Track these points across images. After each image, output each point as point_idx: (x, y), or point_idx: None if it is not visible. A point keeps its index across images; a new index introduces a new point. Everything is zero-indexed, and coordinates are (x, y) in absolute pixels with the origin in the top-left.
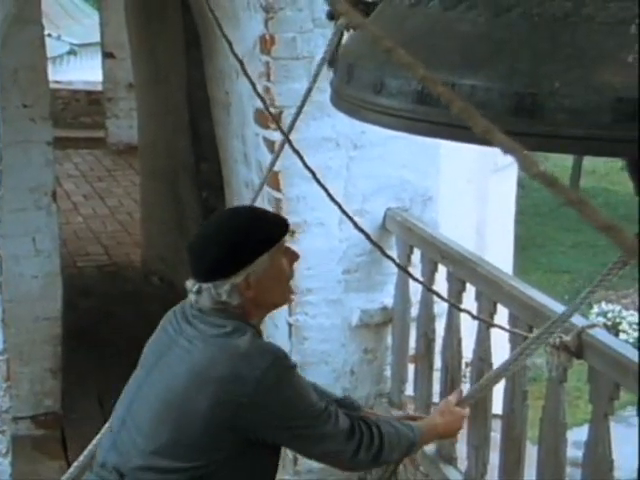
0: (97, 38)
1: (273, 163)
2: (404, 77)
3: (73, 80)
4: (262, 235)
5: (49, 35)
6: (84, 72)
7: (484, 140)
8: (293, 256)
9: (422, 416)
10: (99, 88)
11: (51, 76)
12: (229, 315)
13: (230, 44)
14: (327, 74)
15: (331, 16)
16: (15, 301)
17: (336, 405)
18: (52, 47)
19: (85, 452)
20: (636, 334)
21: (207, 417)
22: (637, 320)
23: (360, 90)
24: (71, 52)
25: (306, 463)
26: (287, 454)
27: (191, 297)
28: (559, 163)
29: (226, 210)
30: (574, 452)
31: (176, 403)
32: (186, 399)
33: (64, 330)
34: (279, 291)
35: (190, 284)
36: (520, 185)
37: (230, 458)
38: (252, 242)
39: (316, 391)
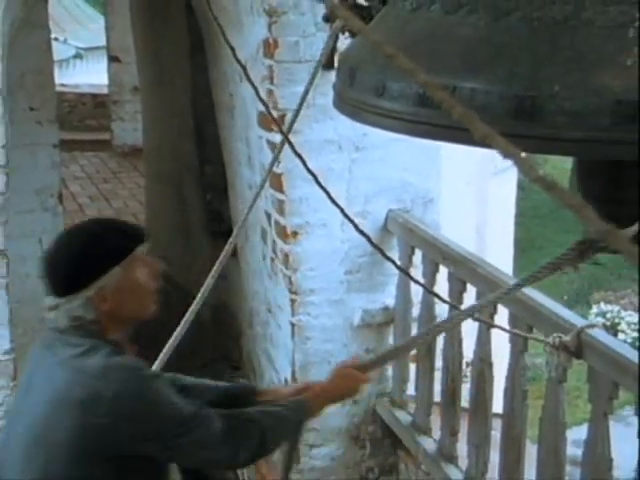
0: (103, 42)
1: (272, 163)
2: (405, 80)
3: (79, 83)
4: (112, 246)
5: (55, 39)
6: (90, 75)
7: (485, 143)
8: (154, 266)
9: (311, 383)
10: (105, 91)
11: (57, 79)
12: (86, 333)
13: (233, 50)
14: (329, 77)
15: (327, 19)
16: (22, 302)
17: (211, 409)
18: (58, 51)
19: None
20: (634, 334)
21: (72, 446)
22: (636, 320)
23: (362, 93)
24: (77, 56)
25: (308, 462)
26: None
27: (50, 315)
28: (558, 165)
29: (77, 223)
30: (573, 451)
31: (42, 437)
32: (50, 431)
33: None
34: (138, 303)
35: (47, 301)
36: (520, 187)
37: None
38: (101, 254)
39: (194, 391)
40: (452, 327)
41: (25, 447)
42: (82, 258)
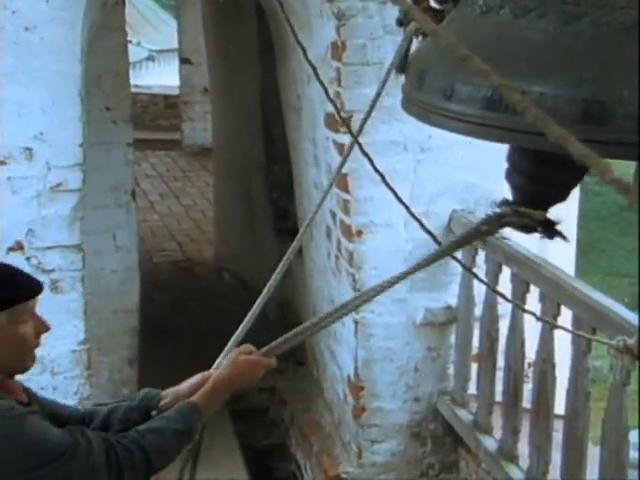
0: (175, 44)
1: (342, 165)
2: (474, 83)
3: (151, 84)
4: (1, 292)
5: (130, 41)
6: (162, 77)
7: (552, 145)
8: (42, 326)
9: (208, 374)
10: (176, 92)
11: (131, 80)
12: None
13: (304, 50)
14: (396, 80)
15: (400, 23)
16: (96, 294)
17: (96, 434)
18: (132, 53)
19: None
20: None
21: None
22: None
23: (430, 95)
24: (150, 58)
25: (370, 457)
26: (352, 447)
27: None
28: (622, 170)
29: None
30: (634, 454)
31: None
32: None
33: (141, 322)
34: (16, 356)
35: None
36: (582, 190)
37: None
38: None
39: (76, 419)
40: (359, 305)
41: None
42: None
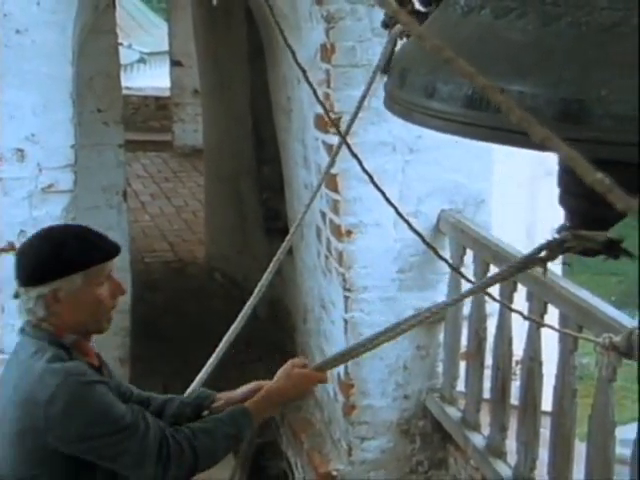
0: (166, 47)
1: (331, 166)
2: (455, 82)
3: (143, 86)
4: (76, 254)
5: (121, 44)
6: (153, 79)
7: (534, 145)
8: (117, 288)
9: (263, 384)
10: (167, 94)
11: (122, 83)
12: (40, 333)
13: (293, 53)
14: (383, 81)
15: (386, 25)
16: None
17: (156, 422)
18: (124, 55)
19: None
20: None
21: (16, 445)
22: None
23: (413, 94)
24: (141, 60)
25: (360, 454)
26: (342, 444)
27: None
28: None
29: (60, 224)
30: (620, 450)
31: (0, 434)
32: (3, 430)
33: (132, 322)
34: (92, 317)
35: (15, 289)
36: None
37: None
38: (64, 258)
39: (137, 400)
40: (413, 326)
41: None
42: (47, 256)
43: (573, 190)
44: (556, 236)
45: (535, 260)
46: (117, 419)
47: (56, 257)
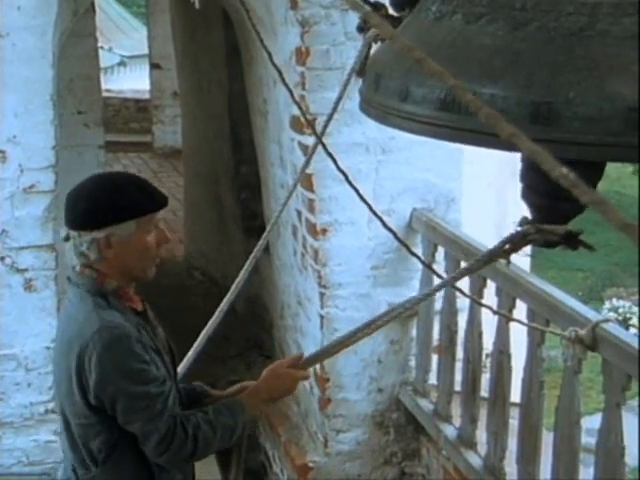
0: (145, 50)
1: (306, 165)
2: (428, 85)
3: (123, 89)
4: (133, 201)
5: (101, 47)
6: (133, 82)
7: (502, 144)
8: (163, 237)
9: (248, 384)
10: (146, 96)
11: (103, 85)
12: (83, 280)
13: (270, 54)
14: (358, 83)
15: (360, 29)
16: None
17: (170, 400)
18: (104, 59)
19: None
20: None
21: (71, 382)
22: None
23: (387, 98)
24: (121, 63)
25: (335, 446)
26: (318, 437)
27: (65, 247)
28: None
29: (113, 171)
30: (587, 439)
31: (58, 382)
32: (60, 379)
33: None
34: (139, 264)
35: (61, 231)
36: None
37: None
38: (121, 204)
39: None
40: (389, 321)
41: (56, 389)
42: (103, 201)
43: (535, 186)
44: (519, 229)
45: (500, 253)
46: (145, 382)
47: (113, 203)
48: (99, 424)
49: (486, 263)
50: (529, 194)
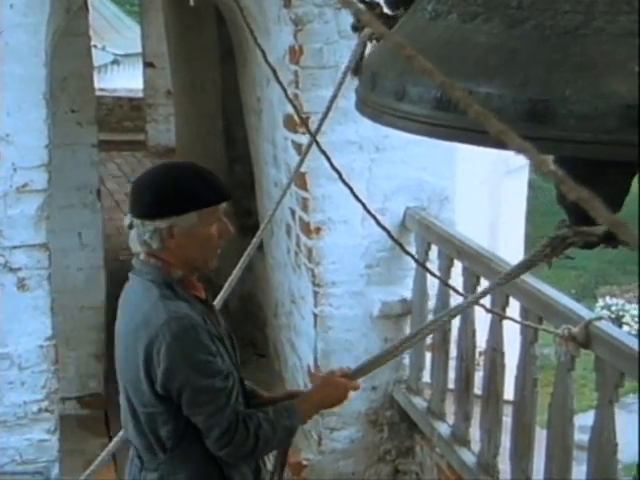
0: (139, 49)
1: (300, 164)
2: (424, 85)
3: (117, 88)
4: (196, 193)
5: (94, 46)
6: (127, 80)
7: (497, 143)
8: (226, 230)
9: (300, 391)
10: (140, 95)
11: (96, 84)
12: (148, 268)
13: (264, 53)
14: (351, 82)
15: (355, 28)
16: (62, 291)
17: (233, 395)
18: (98, 57)
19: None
20: (638, 326)
21: (138, 371)
22: (638, 313)
23: (383, 97)
24: (115, 62)
25: (329, 444)
26: (312, 435)
27: (130, 234)
28: None
29: (178, 161)
30: (580, 436)
31: (125, 371)
32: (128, 369)
33: (107, 318)
34: (201, 254)
35: (125, 218)
36: (530, 186)
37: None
38: (185, 195)
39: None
40: (436, 328)
41: (119, 373)
42: (166, 192)
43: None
44: (557, 233)
45: (540, 257)
46: (210, 375)
47: (177, 194)
48: (166, 413)
49: (528, 269)
50: (564, 198)
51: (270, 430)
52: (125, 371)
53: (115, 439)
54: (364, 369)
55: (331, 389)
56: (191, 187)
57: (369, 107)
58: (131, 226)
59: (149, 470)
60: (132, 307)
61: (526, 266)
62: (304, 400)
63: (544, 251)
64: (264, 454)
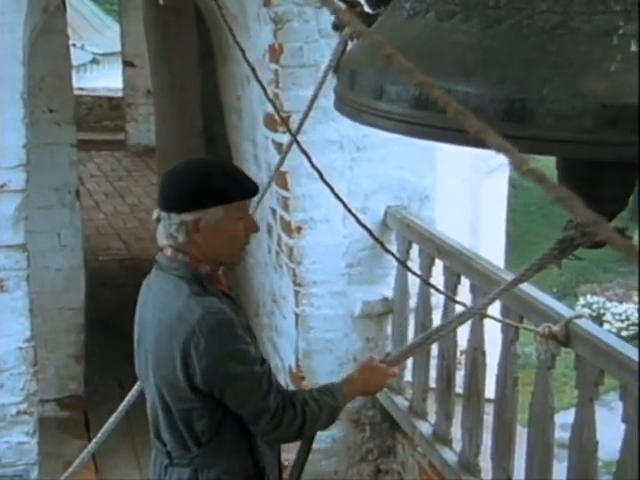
0: (118, 48)
1: (281, 163)
2: (402, 83)
3: (96, 87)
4: (223, 188)
5: (74, 45)
6: (106, 79)
7: (476, 142)
8: (252, 226)
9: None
10: (120, 94)
11: (76, 83)
12: (175, 265)
13: (243, 51)
14: (332, 81)
15: (336, 27)
16: (41, 292)
17: (273, 380)
18: (76, 56)
19: (104, 429)
20: (619, 324)
21: (175, 369)
22: (619, 311)
23: (362, 96)
24: (94, 61)
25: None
26: None
27: (157, 227)
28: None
29: (207, 158)
30: (561, 434)
31: (156, 367)
32: (160, 366)
33: (86, 319)
34: (227, 250)
35: (154, 212)
36: (511, 185)
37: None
38: (211, 190)
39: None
40: (461, 323)
41: (147, 370)
42: (193, 186)
43: (575, 190)
44: (565, 234)
45: (550, 259)
46: (250, 362)
47: (204, 188)
48: (203, 408)
49: (537, 271)
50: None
51: (316, 408)
52: (158, 368)
53: (94, 441)
54: (401, 357)
55: (372, 373)
56: (216, 182)
57: (348, 106)
58: (158, 219)
59: (179, 466)
60: (162, 304)
61: (535, 269)
62: (347, 382)
63: (552, 253)
64: (312, 432)
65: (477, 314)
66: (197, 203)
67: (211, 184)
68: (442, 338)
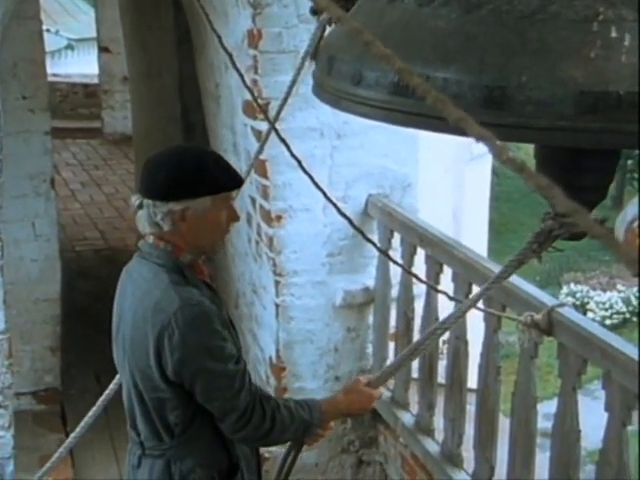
0: (93, 33)
1: (259, 151)
2: (381, 69)
3: (71, 73)
4: (212, 178)
5: (48, 30)
6: (81, 66)
7: (455, 130)
8: (233, 215)
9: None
10: (95, 81)
11: (50, 70)
12: (158, 252)
13: (220, 38)
14: (311, 67)
15: (314, 12)
16: (16, 283)
17: (247, 377)
18: (51, 42)
19: (82, 424)
20: (603, 313)
21: (148, 357)
22: (603, 300)
23: (340, 81)
24: (69, 47)
25: None
26: None
27: (137, 215)
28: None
29: (194, 145)
30: (544, 423)
31: (132, 356)
32: (136, 355)
33: (63, 310)
34: (210, 238)
35: (134, 198)
36: (494, 173)
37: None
38: (201, 180)
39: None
40: (449, 327)
41: (124, 358)
42: (184, 174)
43: (553, 179)
44: (542, 226)
45: (529, 254)
46: (225, 359)
47: (194, 178)
48: (176, 398)
49: (517, 267)
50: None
51: (288, 417)
52: (132, 356)
53: (72, 435)
54: (385, 376)
55: (358, 396)
56: (208, 172)
57: (326, 92)
58: (141, 206)
59: (152, 457)
60: (140, 292)
61: (515, 265)
62: (329, 402)
63: (531, 247)
64: (278, 441)
65: (463, 315)
66: (187, 193)
67: (202, 174)
68: (424, 351)
